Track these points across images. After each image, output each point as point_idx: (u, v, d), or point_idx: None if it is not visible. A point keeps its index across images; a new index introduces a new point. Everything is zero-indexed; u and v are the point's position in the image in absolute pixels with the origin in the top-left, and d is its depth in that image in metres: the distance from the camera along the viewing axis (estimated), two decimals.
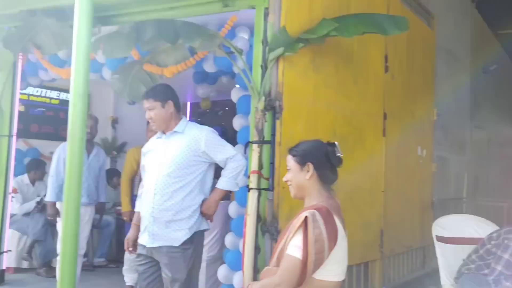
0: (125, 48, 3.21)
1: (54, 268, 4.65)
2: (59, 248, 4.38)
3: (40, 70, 4.72)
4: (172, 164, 2.85)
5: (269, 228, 3.35)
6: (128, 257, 4.19)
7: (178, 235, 2.84)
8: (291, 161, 2.23)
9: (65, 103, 7.15)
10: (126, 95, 3.98)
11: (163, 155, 2.89)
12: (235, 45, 3.37)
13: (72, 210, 2.09)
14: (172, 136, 2.96)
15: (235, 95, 3.91)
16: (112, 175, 6.40)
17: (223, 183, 3.03)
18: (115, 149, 7.70)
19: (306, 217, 1.95)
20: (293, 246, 1.94)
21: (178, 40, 3.15)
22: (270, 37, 3.39)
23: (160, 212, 2.84)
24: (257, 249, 3.33)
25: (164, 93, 2.97)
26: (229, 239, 3.78)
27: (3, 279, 4.61)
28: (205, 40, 3.26)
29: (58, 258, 4.31)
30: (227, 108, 8.83)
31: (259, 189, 3.32)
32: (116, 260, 5.61)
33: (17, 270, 5.12)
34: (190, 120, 8.78)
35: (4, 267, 4.63)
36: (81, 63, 2.15)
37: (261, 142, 3.34)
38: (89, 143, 4.48)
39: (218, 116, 8.75)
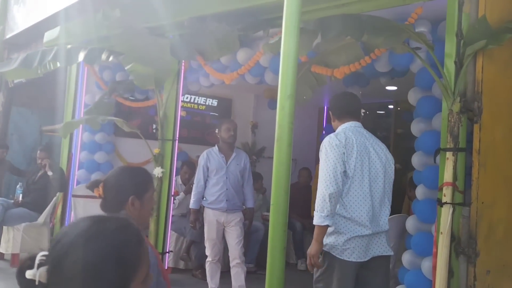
0: (304, 47, 3.03)
1: None
2: (207, 251, 4.39)
3: (201, 77, 4.81)
4: None
5: (465, 250, 2.89)
6: None
7: None
8: None
9: (210, 108, 7.37)
10: None
11: None
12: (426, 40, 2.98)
13: (279, 227, 1.92)
14: None
15: (413, 96, 3.52)
16: (256, 178, 6.37)
17: (314, 218, 2.65)
18: (255, 153, 7.74)
19: None
20: None
21: (363, 35, 2.87)
22: (466, 29, 2.95)
23: None
24: (450, 272, 2.91)
25: (329, 103, 3.09)
26: (407, 257, 3.40)
27: None
28: (391, 35, 2.94)
29: (207, 260, 4.37)
30: (367, 112, 8.41)
31: (453, 204, 2.90)
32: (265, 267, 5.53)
33: (174, 270, 5.28)
34: (327, 125, 8.62)
35: (166, 267, 4.78)
36: (290, 63, 1.98)
37: (455, 149, 2.91)
38: (228, 145, 4.42)
39: None
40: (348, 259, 2.63)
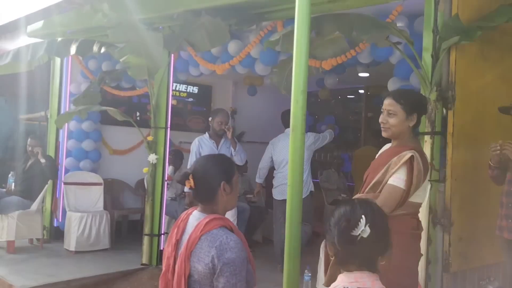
0: None
1: None
2: None
3: (191, 67, 5.02)
4: None
5: (441, 220, 3.32)
6: None
7: None
8: (397, 107, 2.46)
9: (192, 95, 7.57)
10: (283, 88, 4.13)
11: None
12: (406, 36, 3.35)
13: (295, 204, 2.23)
14: None
15: (392, 85, 3.90)
16: None
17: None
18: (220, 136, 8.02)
19: (412, 156, 2.38)
20: (397, 179, 2.38)
21: (353, 32, 3.20)
22: (441, 26, 3.33)
23: None
24: (428, 240, 3.33)
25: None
26: None
27: (161, 259, 5.03)
28: (376, 31, 3.28)
29: None
30: (339, 97, 8.82)
31: (430, 181, 3.31)
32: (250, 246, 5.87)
33: None
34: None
35: (162, 248, 5.05)
36: (302, 60, 2.26)
37: (433, 133, 3.31)
38: (218, 135, 4.72)
39: (330, 105, 8.75)
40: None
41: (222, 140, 4.73)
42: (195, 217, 1.84)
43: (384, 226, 1.42)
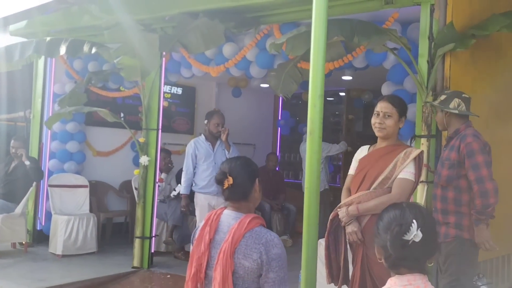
0: (303, 46, 3.38)
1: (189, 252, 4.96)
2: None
3: (183, 68, 5.01)
4: None
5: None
6: None
7: None
8: (393, 110, 2.73)
9: (176, 97, 7.52)
10: (279, 91, 4.19)
11: None
12: (405, 42, 3.46)
13: (313, 207, 2.27)
14: None
15: (386, 89, 4.01)
16: None
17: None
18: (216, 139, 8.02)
19: (422, 151, 2.70)
20: (408, 172, 2.63)
21: (354, 37, 3.29)
22: (436, 33, 3.46)
23: None
24: None
25: None
26: None
27: (152, 261, 5.00)
28: (378, 37, 3.38)
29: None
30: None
31: (427, 182, 3.43)
32: None
33: (156, 253, 5.47)
34: (283, 111, 9.04)
35: (152, 251, 5.01)
36: (319, 64, 2.29)
37: (429, 136, 3.44)
38: (214, 137, 4.75)
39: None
40: None
41: (218, 142, 4.74)
42: (230, 216, 1.88)
43: (433, 229, 1.48)
